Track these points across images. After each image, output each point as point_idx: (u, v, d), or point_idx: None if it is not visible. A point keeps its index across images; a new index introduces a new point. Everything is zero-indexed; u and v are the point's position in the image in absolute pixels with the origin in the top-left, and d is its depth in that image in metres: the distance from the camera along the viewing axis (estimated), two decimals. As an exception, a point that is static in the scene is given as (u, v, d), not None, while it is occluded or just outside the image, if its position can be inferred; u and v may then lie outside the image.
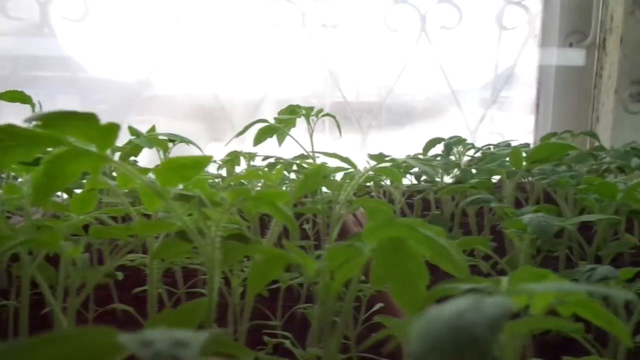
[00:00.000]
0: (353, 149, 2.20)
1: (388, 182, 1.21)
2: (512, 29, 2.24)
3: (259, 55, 2.19)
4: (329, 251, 0.39)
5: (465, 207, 1.06)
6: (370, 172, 0.57)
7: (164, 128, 1.01)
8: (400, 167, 1.05)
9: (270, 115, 1.01)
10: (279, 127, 0.95)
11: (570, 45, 1.96)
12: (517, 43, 2.21)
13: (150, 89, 2.06)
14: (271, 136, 0.99)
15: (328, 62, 2.23)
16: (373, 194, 1.48)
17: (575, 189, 0.89)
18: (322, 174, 0.53)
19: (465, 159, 1.25)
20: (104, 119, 0.34)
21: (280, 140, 1.02)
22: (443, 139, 1.13)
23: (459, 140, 1.11)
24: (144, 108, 2.08)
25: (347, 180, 0.98)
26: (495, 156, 1.02)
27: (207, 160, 0.37)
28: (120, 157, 0.92)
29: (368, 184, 1.27)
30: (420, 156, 1.17)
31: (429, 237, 0.36)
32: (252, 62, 2.21)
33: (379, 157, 0.53)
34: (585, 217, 0.68)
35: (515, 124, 2.34)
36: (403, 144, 2.00)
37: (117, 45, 2.05)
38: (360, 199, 0.67)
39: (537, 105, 2.10)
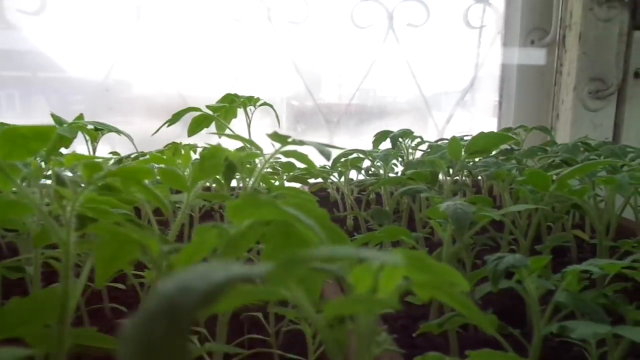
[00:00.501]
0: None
1: (336, 178, 1.18)
2: (479, 27, 2.24)
3: (224, 52, 2.15)
4: (195, 232, 0.36)
5: (411, 202, 1.04)
6: (280, 157, 0.54)
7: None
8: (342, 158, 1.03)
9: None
10: (212, 116, 0.91)
11: (532, 42, 1.95)
12: (485, 41, 2.21)
13: (109, 86, 2.01)
14: (207, 126, 0.95)
15: (294, 58, 2.20)
16: (329, 190, 1.45)
17: (515, 181, 0.87)
18: (220, 156, 0.49)
19: (419, 153, 1.22)
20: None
21: (220, 131, 0.99)
22: (391, 132, 1.10)
23: (405, 133, 1.08)
24: (104, 105, 2.03)
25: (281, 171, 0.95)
26: (440, 148, 1.00)
27: (50, 130, 0.33)
28: (47, 150, 0.87)
29: (319, 180, 1.24)
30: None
31: (294, 216, 0.33)
32: (217, 60, 2.16)
33: (282, 138, 0.50)
34: (513, 208, 0.66)
35: (482, 123, 2.34)
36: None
37: (77, 42, 1.99)
38: (275, 186, 0.63)
39: (500, 104, 2.09)
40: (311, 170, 0.86)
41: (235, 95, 0.95)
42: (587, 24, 1.72)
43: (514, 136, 1.38)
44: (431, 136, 2.14)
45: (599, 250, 0.77)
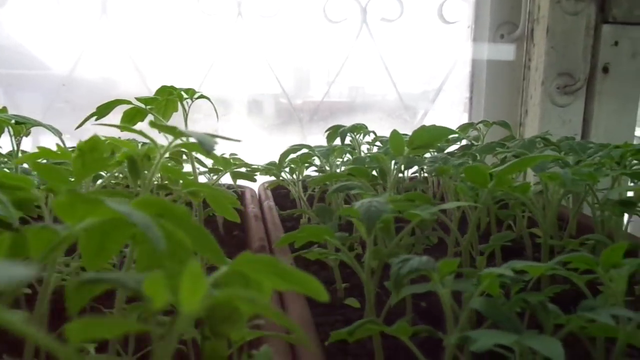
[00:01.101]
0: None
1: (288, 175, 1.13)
2: (453, 22, 2.20)
3: (193, 47, 2.10)
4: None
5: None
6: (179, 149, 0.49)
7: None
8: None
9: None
10: (145, 110, 0.86)
11: (502, 37, 1.92)
12: (459, 37, 2.17)
13: (73, 81, 1.94)
14: (142, 120, 0.90)
15: (265, 53, 2.15)
16: (290, 188, 1.41)
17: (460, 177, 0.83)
18: (101, 149, 0.44)
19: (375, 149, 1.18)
20: None
21: (158, 125, 0.94)
22: (342, 127, 1.06)
23: (356, 128, 1.03)
24: (68, 101, 1.97)
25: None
26: (389, 143, 0.95)
27: None
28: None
29: (271, 177, 1.19)
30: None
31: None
32: (186, 55, 2.11)
33: (169, 129, 0.45)
34: (445, 206, 0.62)
35: (455, 119, 2.31)
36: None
37: (40, 37, 1.93)
38: (189, 181, 0.59)
39: (471, 100, 2.06)
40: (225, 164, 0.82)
41: (172, 87, 0.90)
42: (555, 18, 1.69)
43: (476, 130, 1.35)
44: (406, 132, 2.11)
45: (543, 250, 0.73)
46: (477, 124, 1.32)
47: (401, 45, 2.25)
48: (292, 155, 1.03)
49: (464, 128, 1.35)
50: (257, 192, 1.55)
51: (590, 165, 0.88)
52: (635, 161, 0.94)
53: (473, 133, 1.42)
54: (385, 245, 0.82)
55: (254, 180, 1.03)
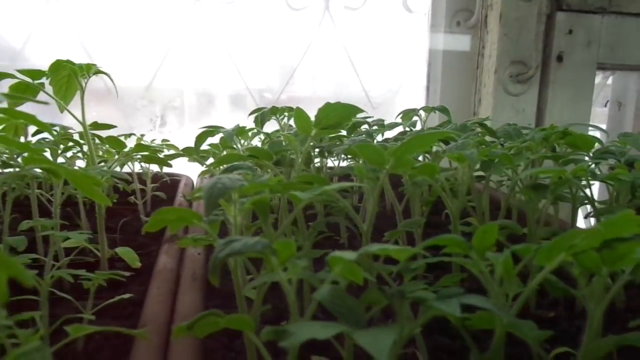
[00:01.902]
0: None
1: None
2: (416, 11, 2.15)
3: (150, 34, 2.02)
4: None
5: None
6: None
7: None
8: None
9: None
10: (36, 86, 0.79)
11: (458, 24, 1.87)
12: (421, 25, 2.12)
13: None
14: (33, 96, 0.83)
15: (224, 40, 2.08)
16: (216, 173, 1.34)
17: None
18: None
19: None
20: None
21: (61, 108, 0.87)
22: (217, 128, 0.96)
23: (278, 110, 0.97)
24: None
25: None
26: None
27: None
28: None
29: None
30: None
31: None
32: (142, 42, 2.03)
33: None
34: (330, 187, 0.56)
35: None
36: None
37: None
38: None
39: (427, 89, 2.01)
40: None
41: (69, 61, 0.83)
42: (508, 4, 1.64)
43: (417, 117, 1.29)
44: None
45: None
46: (418, 110, 1.27)
47: (364, 33, 2.20)
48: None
49: (405, 114, 1.30)
50: (196, 180, 1.48)
51: (510, 148, 0.83)
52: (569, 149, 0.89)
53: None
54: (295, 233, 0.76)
55: (169, 165, 0.96)
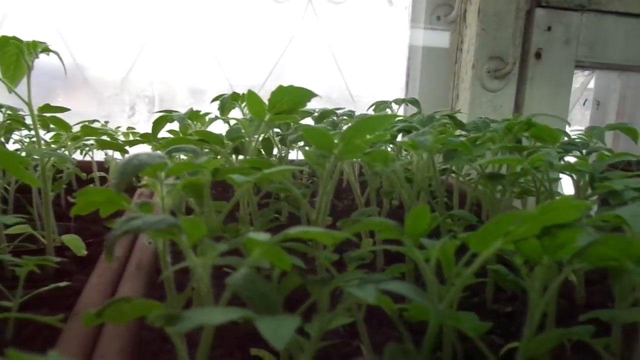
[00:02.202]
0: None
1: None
2: (398, 6, 2.13)
3: (126, 23, 1.98)
4: None
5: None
6: None
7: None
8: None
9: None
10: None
11: (438, 19, 1.85)
12: (403, 20, 2.10)
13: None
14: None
15: (205, 32, 2.05)
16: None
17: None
18: None
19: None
20: None
21: (8, 89, 0.83)
22: (171, 112, 0.92)
23: (239, 97, 0.94)
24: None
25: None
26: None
27: None
28: None
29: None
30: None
31: None
32: (119, 31, 1.98)
33: None
34: (269, 170, 0.53)
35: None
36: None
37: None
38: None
39: (407, 84, 1.98)
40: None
41: (15, 38, 0.79)
42: (487, -1, 1.63)
43: (389, 109, 1.27)
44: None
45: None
46: (390, 102, 1.25)
47: (347, 28, 2.18)
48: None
49: (377, 106, 1.27)
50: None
51: (474, 138, 0.81)
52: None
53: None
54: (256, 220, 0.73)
55: (124, 151, 0.93)
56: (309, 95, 0.71)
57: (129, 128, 1.27)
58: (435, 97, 1.85)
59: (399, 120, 1.13)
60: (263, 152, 0.94)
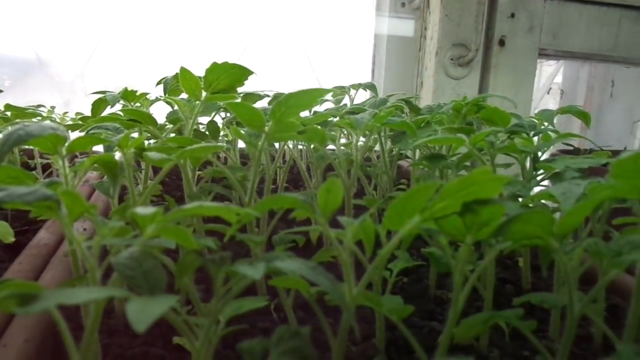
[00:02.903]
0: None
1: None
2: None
3: (84, 13, 1.91)
4: None
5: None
6: None
7: None
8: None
9: None
10: None
11: (403, 5, 1.82)
12: (370, 8, 2.07)
13: None
14: None
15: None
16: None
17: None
18: None
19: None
20: None
21: None
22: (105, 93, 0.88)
23: (127, 94, 0.88)
24: None
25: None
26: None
27: None
28: None
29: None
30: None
31: None
32: (77, 21, 1.92)
33: None
34: (191, 148, 0.50)
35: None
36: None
37: None
38: None
39: (372, 72, 1.96)
40: None
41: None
42: (450, -16, 1.60)
43: (345, 93, 1.24)
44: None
45: (346, 208, 0.62)
46: (349, 87, 1.22)
47: (316, 17, 2.14)
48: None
49: (335, 92, 1.24)
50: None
51: (421, 121, 0.78)
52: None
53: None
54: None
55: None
56: (246, 73, 0.67)
57: (77, 113, 1.22)
58: (399, 84, 1.82)
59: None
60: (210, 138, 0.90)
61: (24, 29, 1.81)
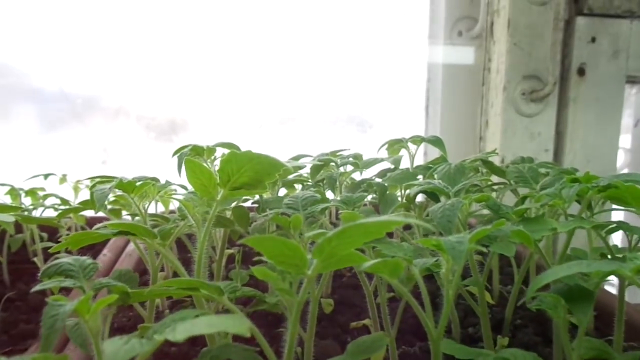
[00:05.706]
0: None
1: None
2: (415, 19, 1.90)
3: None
4: None
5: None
6: None
7: None
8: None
9: None
10: None
11: (460, 34, 1.61)
12: (422, 37, 1.86)
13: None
14: None
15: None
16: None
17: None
18: None
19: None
20: None
21: None
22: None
23: (124, 185, 0.71)
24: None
25: None
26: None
27: None
28: None
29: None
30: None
31: None
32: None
33: None
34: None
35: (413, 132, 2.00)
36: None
37: None
38: None
39: (427, 109, 1.74)
40: None
41: None
42: (518, 8, 1.38)
43: (405, 149, 1.03)
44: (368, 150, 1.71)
45: None
46: (407, 140, 1.00)
47: (361, 45, 1.95)
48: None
49: (391, 146, 1.03)
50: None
51: (522, 211, 0.56)
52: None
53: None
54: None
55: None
56: (277, 166, 0.47)
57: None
58: (459, 123, 1.60)
59: (417, 167, 0.89)
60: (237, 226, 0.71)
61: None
